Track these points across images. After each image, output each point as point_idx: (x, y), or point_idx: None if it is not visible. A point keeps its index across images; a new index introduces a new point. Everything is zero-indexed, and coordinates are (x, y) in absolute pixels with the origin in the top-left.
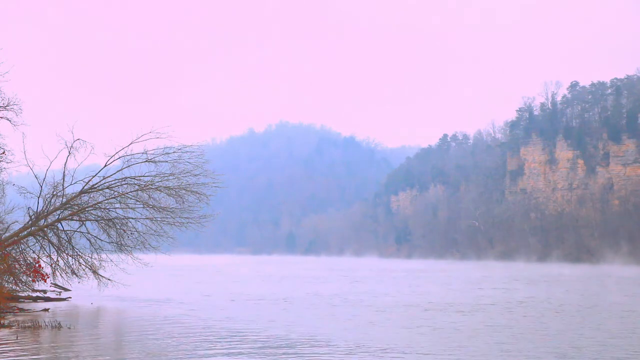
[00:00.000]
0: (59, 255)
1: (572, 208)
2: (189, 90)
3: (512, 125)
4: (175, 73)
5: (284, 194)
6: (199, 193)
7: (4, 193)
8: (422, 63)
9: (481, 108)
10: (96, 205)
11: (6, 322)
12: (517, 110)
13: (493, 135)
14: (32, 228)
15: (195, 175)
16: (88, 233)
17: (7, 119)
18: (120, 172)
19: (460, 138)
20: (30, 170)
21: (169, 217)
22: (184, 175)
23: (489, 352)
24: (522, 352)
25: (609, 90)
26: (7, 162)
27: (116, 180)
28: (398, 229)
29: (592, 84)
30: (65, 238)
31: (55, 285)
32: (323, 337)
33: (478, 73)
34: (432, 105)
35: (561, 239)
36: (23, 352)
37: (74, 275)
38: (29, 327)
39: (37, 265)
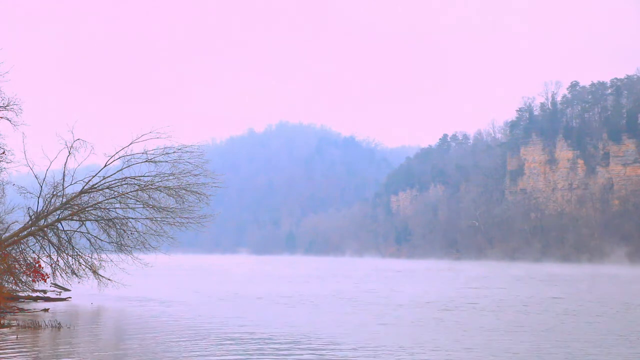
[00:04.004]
0: (59, 255)
1: (572, 208)
2: (189, 91)
3: (512, 125)
4: (175, 73)
5: (284, 194)
6: (199, 193)
7: (4, 193)
8: (423, 63)
9: (481, 108)
10: (96, 205)
11: (6, 322)
12: (517, 110)
13: (493, 135)
14: (32, 228)
15: (195, 175)
16: (88, 233)
17: (7, 119)
18: (120, 172)
19: (460, 138)
20: (30, 170)
21: (169, 217)
22: (184, 175)
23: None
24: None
25: (609, 90)
26: (7, 162)
27: (116, 180)
28: (398, 229)
29: (592, 84)
30: (65, 238)
31: (55, 285)
32: (323, 336)
33: (478, 73)
34: (432, 105)
35: (561, 239)
36: (23, 352)
37: (74, 275)
38: (29, 327)
39: (37, 265)
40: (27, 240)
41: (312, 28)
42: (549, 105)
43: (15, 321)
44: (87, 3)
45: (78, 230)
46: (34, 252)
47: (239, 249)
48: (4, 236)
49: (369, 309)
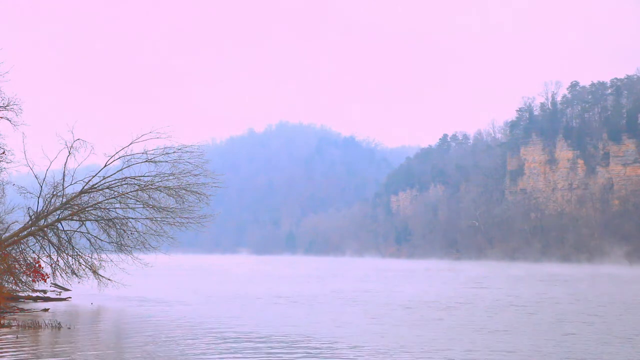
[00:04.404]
0: (59, 255)
1: (572, 208)
2: (189, 91)
3: (512, 125)
4: (175, 73)
5: (284, 194)
6: (199, 193)
7: (4, 193)
8: (422, 63)
9: (481, 108)
10: (96, 205)
11: (6, 322)
12: (517, 110)
13: (493, 135)
14: (32, 228)
15: (195, 175)
16: (88, 233)
17: (7, 119)
18: (120, 172)
19: (460, 138)
20: (30, 170)
21: (169, 217)
22: (184, 175)
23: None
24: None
25: (609, 90)
26: (7, 162)
27: (116, 180)
28: (398, 229)
29: (592, 84)
30: (65, 238)
31: (55, 285)
32: (322, 336)
33: (478, 73)
34: (432, 105)
35: (561, 239)
36: (23, 352)
37: (74, 275)
38: (29, 327)
39: (37, 265)
40: (27, 240)
41: (312, 28)
42: (549, 105)
43: (15, 321)
44: (87, 3)
45: (78, 230)
46: (34, 252)
47: (239, 249)
48: (4, 236)
49: (369, 309)
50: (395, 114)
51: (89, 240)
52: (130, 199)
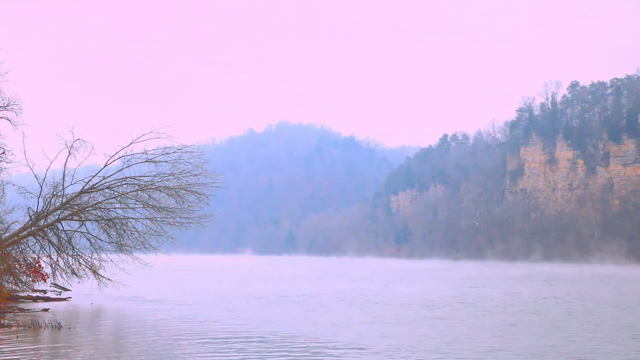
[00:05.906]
0: (59, 255)
1: (572, 208)
2: (189, 91)
3: (512, 125)
4: (175, 73)
5: (284, 194)
6: (199, 193)
7: (4, 193)
8: (423, 63)
9: (481, 108)
10: (96, 205)
11: (6, 322)
12: (517, 110)
13: (493, 135)
14: (32, 228)
15: (195, 175)
16: (88, 233)
17: (7, 119)
18: (120, 172)
19: (460, 138)
20: (30, 170)
21: (169, 217)
22: (184, 175)
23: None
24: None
25: (609, 90)
26: (7, 162)
27: (116, 180)
28: (398, 229)
29: (592, 84)
30: (65, 238)
31: (55, 285)
32: (320, 336)
33: (478, 73)
34: (432, 105)
35: (561, 239)
36: (23, 352)
37: (74, 275)
38: (29, 327)
39: (37, 265)
40: (27, 240)
41: (312, 28)
42: (549, 105)
43: (15, 321)
44: (87, 3)
45: (78, 230)
46: (34, 252)
47: (239, 249)
48: (4, 236)
49: (368, 309)
50: (395, 114)
51: (89, 240)
52: (130, 199)
